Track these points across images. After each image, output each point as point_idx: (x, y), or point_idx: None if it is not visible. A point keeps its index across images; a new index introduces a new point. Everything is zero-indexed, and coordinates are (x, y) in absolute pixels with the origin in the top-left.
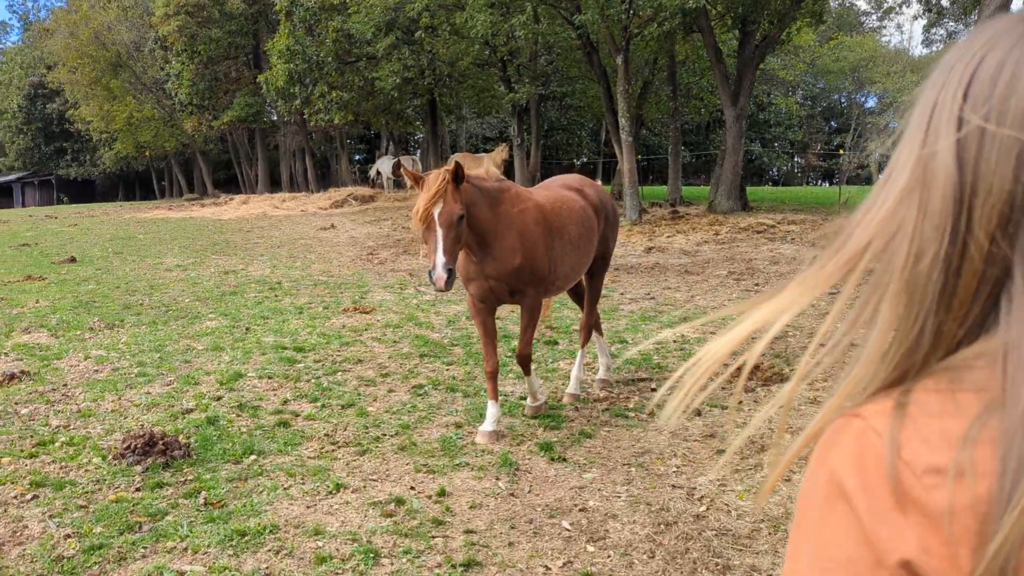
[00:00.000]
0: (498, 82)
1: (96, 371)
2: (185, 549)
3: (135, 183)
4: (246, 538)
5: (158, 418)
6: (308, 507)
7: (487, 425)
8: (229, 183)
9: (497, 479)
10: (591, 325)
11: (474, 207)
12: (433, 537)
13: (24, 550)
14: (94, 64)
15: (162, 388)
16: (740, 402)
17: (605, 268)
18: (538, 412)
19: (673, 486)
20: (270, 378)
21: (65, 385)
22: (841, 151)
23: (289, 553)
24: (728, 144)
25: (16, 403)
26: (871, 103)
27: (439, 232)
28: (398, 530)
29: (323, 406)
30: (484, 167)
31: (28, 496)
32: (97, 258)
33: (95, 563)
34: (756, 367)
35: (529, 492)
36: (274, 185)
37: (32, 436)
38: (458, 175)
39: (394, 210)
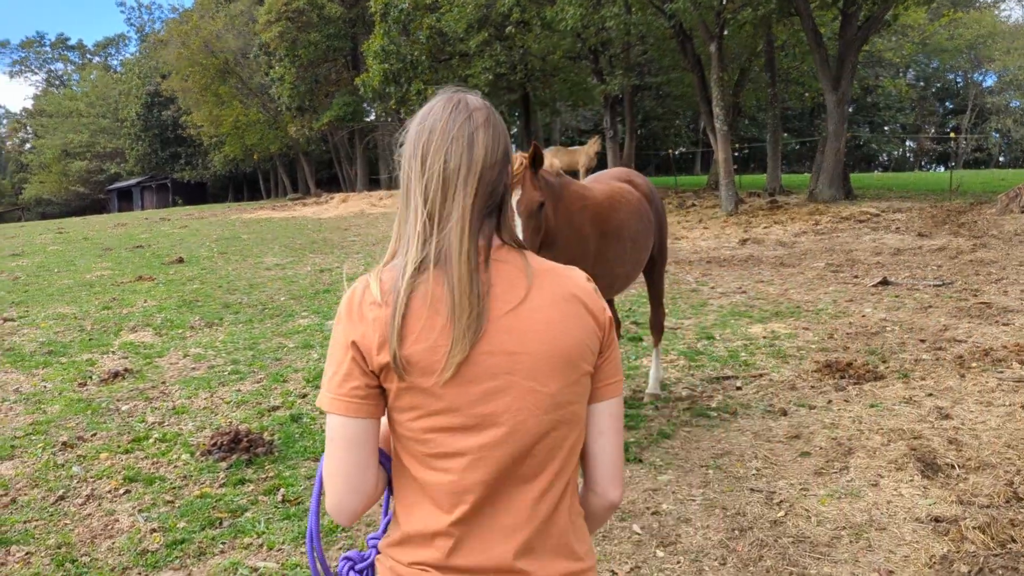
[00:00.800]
0: (590, 74)
1: (193, 369)
2: (261, 546)
3: (243, 184)
4: None
5: (246, 415)
6: (378, 505)
7: None
8: (331, 182)
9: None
10: (660, 323)
11: (547, 201)
12: None
13: (113, 543)
14: (204, 71)
15: (252, 386)
16: (829, 401)
17: (664, 262)
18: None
19: (752, 489)
20: None
21: (163, 383)
22: (952, 134)
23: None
24: (830, 130)
25: (118, 400)
26: (989, 82)
27: (519, 222)
28: None
29: None
30: (554, 161)
31: (121, 491)
32: (203, 258)
33: (176, 557)
34: (848, 364)
35: None
36: (373, 183)
37: (129, 432)
38: (536, 159)
39: None
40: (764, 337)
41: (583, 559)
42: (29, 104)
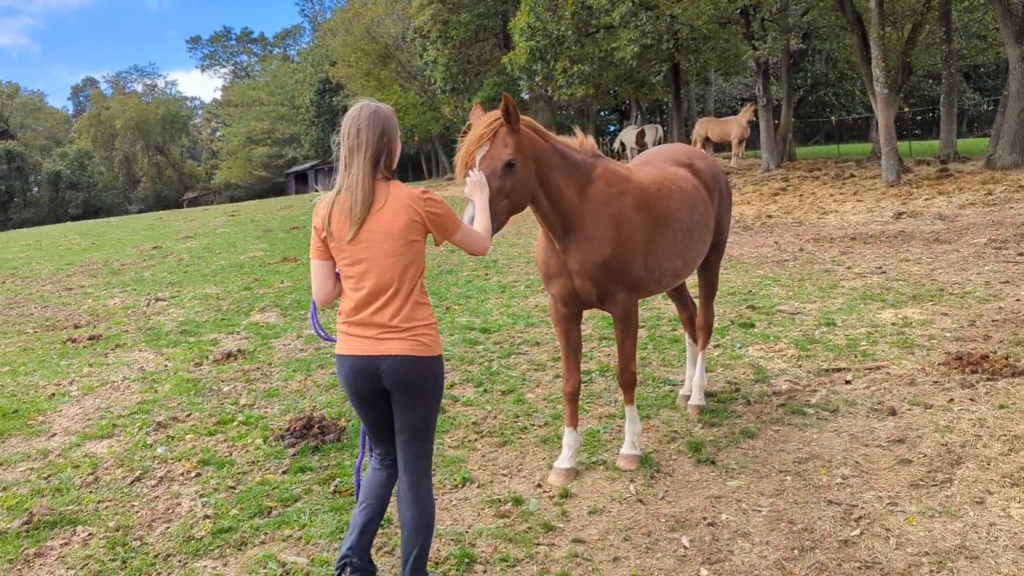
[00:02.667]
0: (742, 40)
1: (301, 351)
2: (299, 539)
3: (407, 165)
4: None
5: (332, 399)
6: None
7: (562, 461)
8: None
9: (631, 481)
10: (709, 324)
11: (550, 171)
12: (538, 544)
13: (167, 528)
14: (365, 57)
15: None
16: (951, 400)
17: (720, 256)
18: (631, 467)
19: (830, 501)
20: (447, 360)
21: (269, 364)
22: None
23: (390, 551)
24: (1011, 89)
25: (222, 380)
26: None
27: (478, 176)
28: (504, 533)
29: (485, 391)
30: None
31: (193, 474)
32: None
33: (217, 547)
34: (984, 356)
35: (662, 498)
36: None
37: (219, 414)
38: (510, 115)
39: None
40: (893, 324)
41: (421, 323)
42: (219, 95)
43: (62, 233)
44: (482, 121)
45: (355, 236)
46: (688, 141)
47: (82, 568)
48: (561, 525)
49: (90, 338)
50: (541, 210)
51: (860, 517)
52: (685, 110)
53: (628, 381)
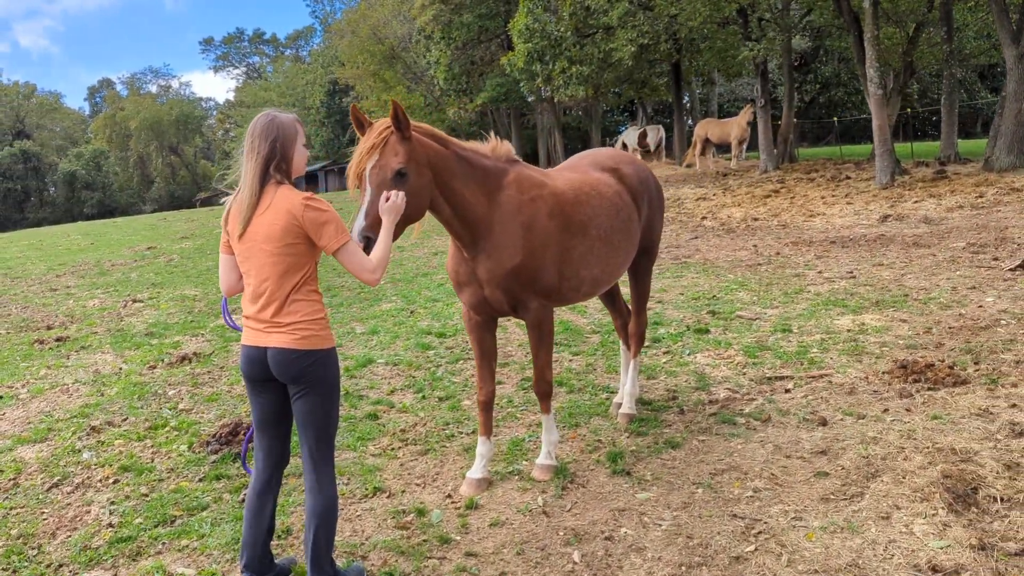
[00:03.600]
0: (740, 40)
1: None
2: (194, 549)
3: None
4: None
5: None
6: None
7: (474, 471)
8: None
9: (543, 492)
10: (641, 331)
11: (452, 179)
12: (429, 558)
13: (68, 537)
14: (371, 58)
15: None
16: (885, 410)
17: (651, 262)
18: (544, 478)
19: (734, 515)
20: (395, 365)
21: (221, 368)
22: None
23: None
24: (1008, 90)
25: (169, 384)
26: None
27: (368, 192)
28: (399, 546)
29: (424, 397)
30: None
31: (111, 480)
32: None
33: (111, 556)
34: (929, 365)
35: (568, 511)
36: (530, 162)
37: (154, 419)
38: (400, 123)
39: None
40: (849, 330)
41: (300, 319)
42: (231, 96)
43: (65, 233)
44: (373, 130)
45: (242, 235)
46: (690, 142)
47: None
48: (458, 538)
49: (57, 339)
50: (444, 219)
51: (760, 532)
52: (688, 111)
53: (543, 390)
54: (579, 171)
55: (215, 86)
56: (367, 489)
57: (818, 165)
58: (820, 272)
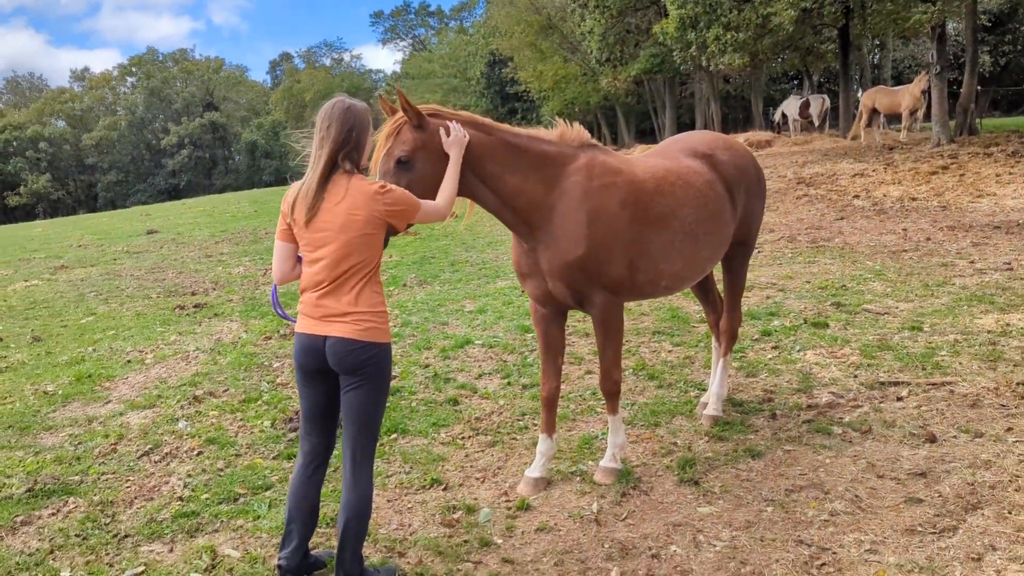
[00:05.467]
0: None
1: None
2: (247, 530)
3: None
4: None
5: None
6: (389, 501)
7: (532, 470)
8: (650, 133)
9: (602, 497)
10: (733, 329)
11: (495, 167)
12: (465, 561)
13: (141, 507)
14: (528, 28)
15: (397, 351)
16: (1009, 429)
17: (747, 256)
18: (606, 481)
19: (800, 541)
20: (491, 347)
21: None
22: None
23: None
24: None
25: (276, 357)
26: None
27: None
28: (438, 545)
29: (509, 384)
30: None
31: (195, 452)
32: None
33: (171, 532)
34: None
35: (622, 520)
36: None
37: (251, 392)
38: (408, 111)
39: (786, 156)
40: (989, 331)
41: (364, 309)
42: (398, 68)
43: (237, 200)
44: (389, 120)
45: (311, 223)
46: (855, 112)
47: (49, 540)
48: (500, 541)
49: (195, 306)
50: (491, 208)
51: (824, 564)
52: (858, 79)
53: (610, 389)
54: (668, 157)
55: (383, 58)
56: (426, 480)
57: (1000, 138)
58: (972, 262)
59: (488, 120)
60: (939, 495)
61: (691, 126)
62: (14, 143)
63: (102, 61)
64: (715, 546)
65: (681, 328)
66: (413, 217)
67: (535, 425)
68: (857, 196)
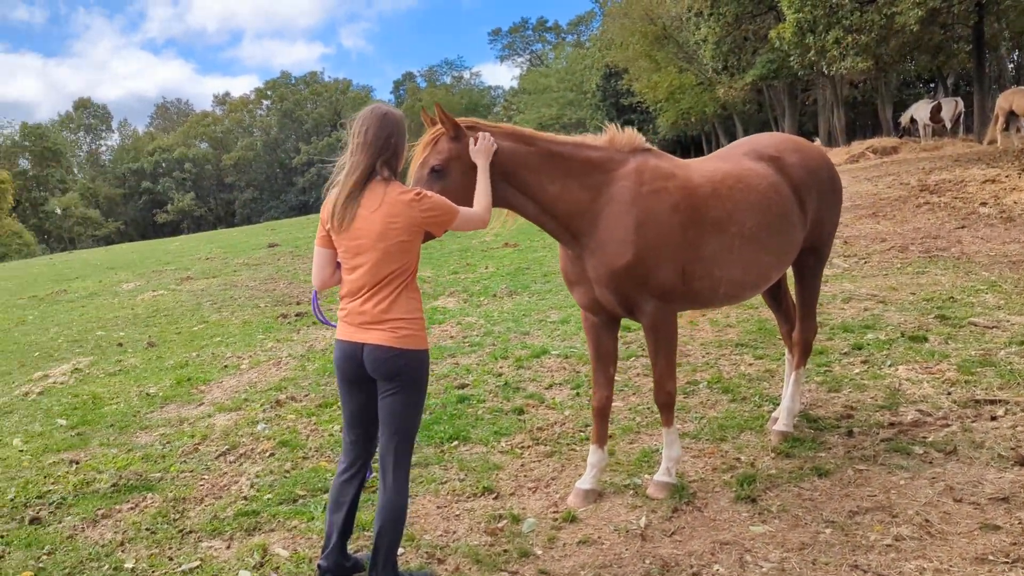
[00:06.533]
0: None
1: (451, 337)
2: (300, 531)
3: (690, 146)
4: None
5: (432, 390)
6: (439, 507)
7: (583, 481)
8: None
9: (652, 511)
10: (807, 340)
11: (535, 176)
12: (500, 571)
13: (210, 505)
14: (643, 39)
15: (473, 359)
16: None
17: (820, 263)
18: (659, 496)
19: (855, 566)
20: (566, 358)
21: None
22: None
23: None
24: None
25: None
26: None
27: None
28: (477, 554)
29: (577, 395)
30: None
31: (268, 453)
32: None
33: (231, 529)
34: None
35: (669, 536)
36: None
37: (328, 397)
38: (445, 122)
39: (912, 162)
40: None
41: (401, 316)
42: (515, 84)
43: None
44: (428, 131)
45: (349, 230)
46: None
47: (122, 533)
48: (540, 552)
49: (297, 315)
50: (531, 216)
51: None
52: (997, 80)
53: (664, 401)
54: (729, 160)
55: (501, 75)
56: (477, 488)
57: None
58: None
59: (530, 131)
60: (1020, 522)
61: (814, 133)
62: (163, 164)
63: (242, 86)
64: (761, 567)
65: (766, 340)
66: (451, 223)
67: None
68: (984, 203)
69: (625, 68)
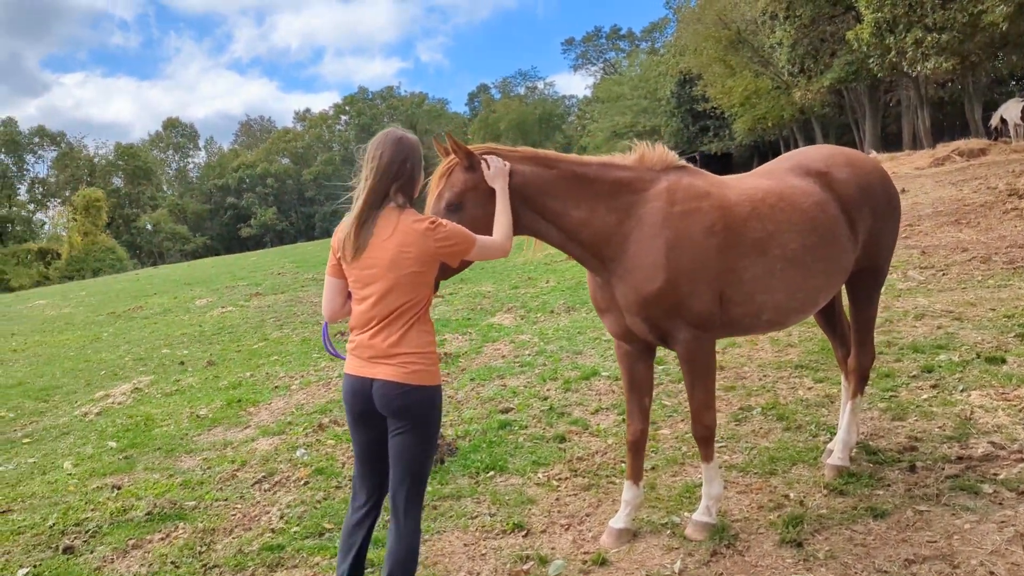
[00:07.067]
0: None
1: (502, 357)
2: (322, 568)
3: (767, 152)
4: (369, 570)
5: (475, 414)
6: (466, 545)
7: (616, 520)
8: (848, 145)
9: (689, 554)
10: (863, 368)
11: (556, 202)
12: None
13: (238, 537)
14: (716, 44)
15: (521, 380)
16: None
17: (876, 285)
18: (697, 537)
19: None
20: (616, 379)
21: (462, 370)
22: None
23: None
24: None
25: None
26: None
27: None
28: None
29: (623, 420)
30: (642, 150)
31: (302, 482)
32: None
33: (253, 565)
34: None
35: None
36: (892, 144)
37: None
38: (458, 152)
39: (1001, 164)
40: None
41: (412, 351)
42: (588, 92)
43: None
44: (442, 163)
45: (359, 259)
46: None
47: (148, 567)
48: None
49: None
50: (556, 243)
51: None
52: None
53: (702, 434)
54: (772, 177)
55: (575, 84)
56: (507, 524)
57: None
58: None
59: (551, 153)
60: None
61: (897, 136)
62: (246, 180)
63: (323, 102)
64: None
65: (828, 361)
66: (468, 252)
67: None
68: None
69: (699, 74)
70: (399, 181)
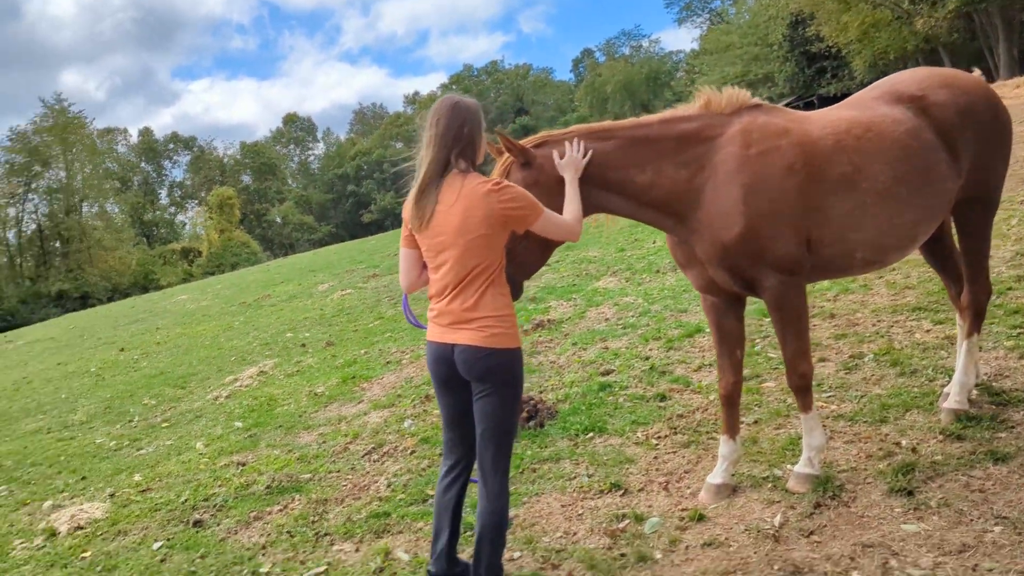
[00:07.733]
0: None
1: (605, 319)
2: (425, 533)
3: None
4: (467, 533)
5: (576, 378)
6: (563, 506)
7: (714, 476)
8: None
9: (792, 507)
10: (978, 304)
11: (621, 172)
12: None
13: (346, 507)
14: None
15: (624, 342)
16: None
17: (987, 215)
18: (799, 489)
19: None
20: None
21: (565, 335)
22: None
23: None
24: None
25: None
26: None
27: None
28: (593, 559)
29: None
30: (707, 95)
31: (409, 451)
32: None
33: (361, 531)
34: None
35: (807, 536)
36: None
37: None
38: (512, 150)
39: None
40: None
41: (490, 314)
42: (695, 46)
43: None
44: (498, 163)
45: (428, 228)
46: None
47: (266, 536)
48: (659, 556)
49: None
50: (625, 214)
51: None
52: None
53: (797, 384)
54: (859, 107)
55: (681, 39)
56: (605, 484)
57: None
58: None
59: (606, 124)
60: None
61: None
62: (364, 167)
63: (431, 84)
64: (909, 574)
65: (945, 303)
66: (534, 219)
67: (741, 423)
68: None
69: (811, 13)
70: (458, 147)
